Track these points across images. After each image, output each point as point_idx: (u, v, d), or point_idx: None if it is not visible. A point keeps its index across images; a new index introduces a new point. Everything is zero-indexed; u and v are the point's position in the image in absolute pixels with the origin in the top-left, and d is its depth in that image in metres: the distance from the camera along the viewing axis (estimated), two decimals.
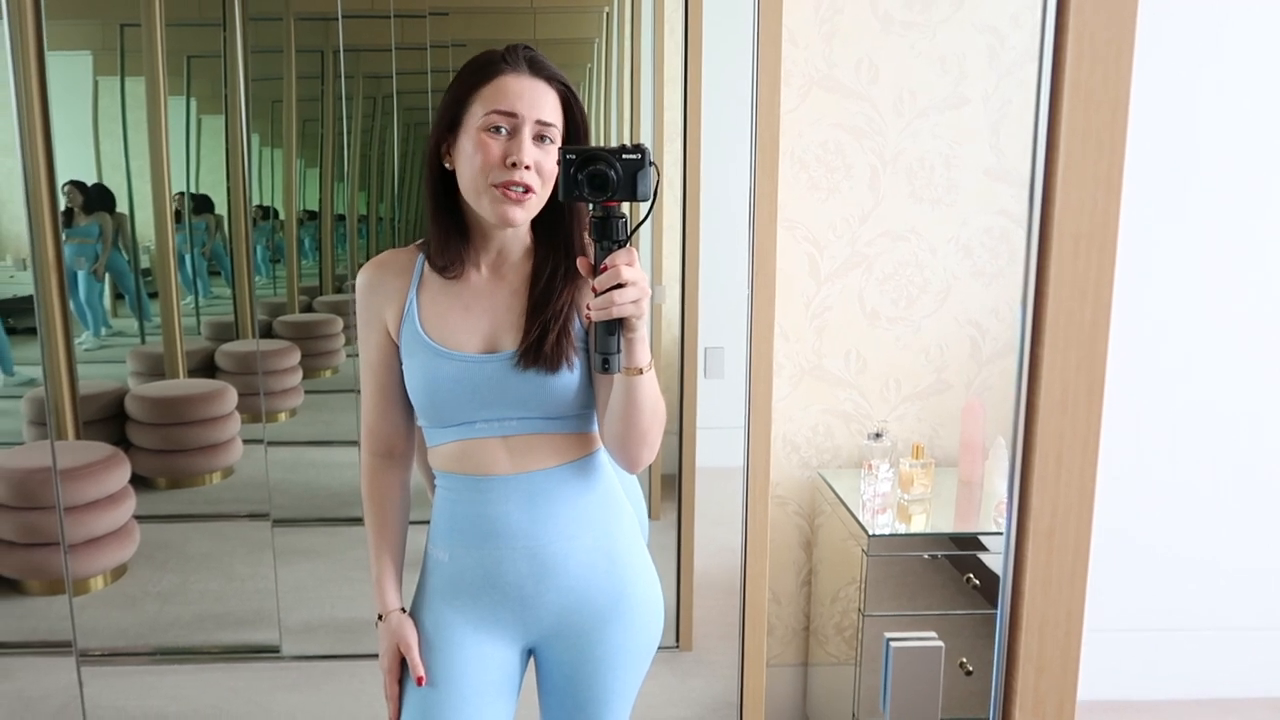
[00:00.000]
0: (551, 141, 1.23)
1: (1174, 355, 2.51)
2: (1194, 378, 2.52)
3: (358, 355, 1.36)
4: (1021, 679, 1.01)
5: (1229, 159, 2.42)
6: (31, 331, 2.91)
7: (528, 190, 1.20)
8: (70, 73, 2.68)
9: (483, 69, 1.23)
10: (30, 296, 2.66)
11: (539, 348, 1.23)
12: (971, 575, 2.08)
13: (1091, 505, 0.92)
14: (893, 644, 1.66)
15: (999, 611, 1.07)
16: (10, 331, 2.91)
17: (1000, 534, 2.08)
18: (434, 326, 1.27)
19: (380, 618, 1.34)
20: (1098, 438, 0.90)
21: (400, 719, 1.32)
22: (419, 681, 1.29)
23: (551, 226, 1.29)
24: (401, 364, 1.32)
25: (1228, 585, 2.61)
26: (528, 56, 1.24)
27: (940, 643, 1.66)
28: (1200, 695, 2.64)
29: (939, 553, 2.08)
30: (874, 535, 2.05)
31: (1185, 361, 2.51)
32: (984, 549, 2.09)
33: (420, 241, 1.34)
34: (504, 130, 1.21)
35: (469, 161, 1.22)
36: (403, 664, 1.32)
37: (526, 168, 1.20)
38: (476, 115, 1.22)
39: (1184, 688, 2.65)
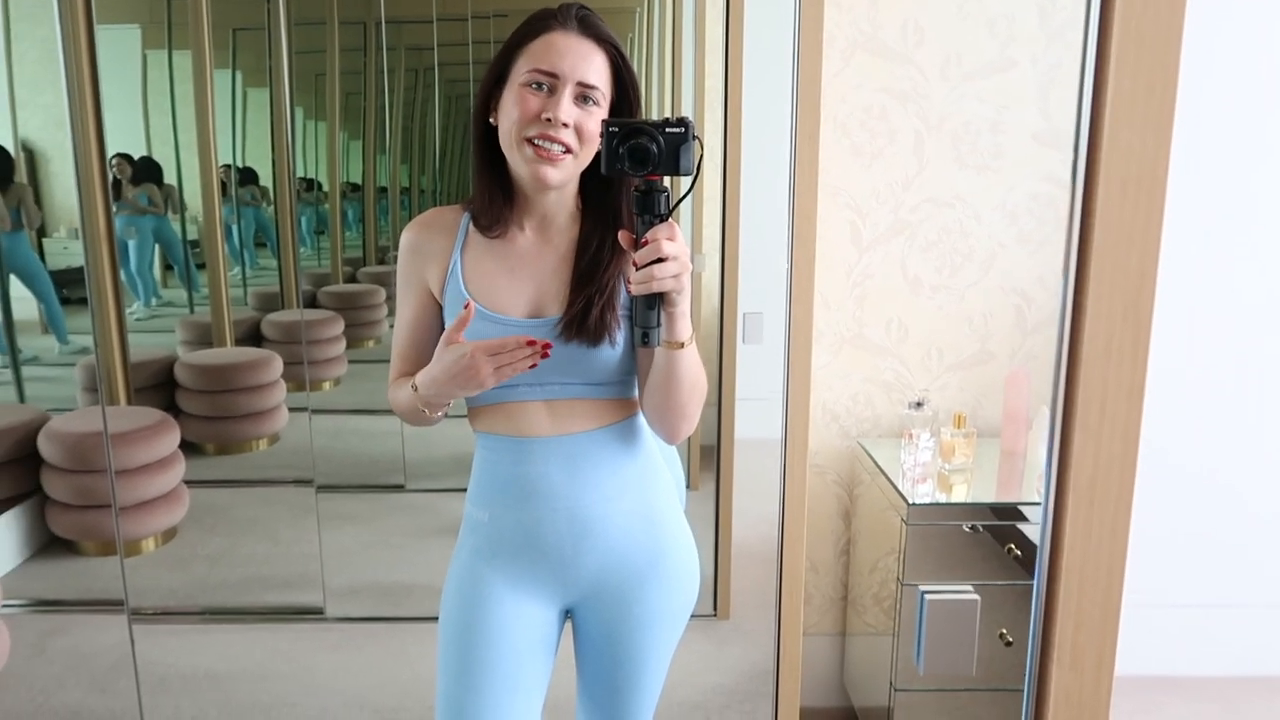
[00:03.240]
0: (595, 104, 1.21)
1: (1235, 313, 2.41)
2: (1257, 340, 2.43)
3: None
4: (1059, 633, 0.98)
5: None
6: (84, 301, 2.98)
7: (565, 150, 1.20)
8: (119, 46, 2.71)
9: (532, 24, 1.23)
10: (82, 267, 2.72)
11: (583, 320, 1.23)
12: (1013, 546, 2.05)
13: (1135, 457, 0.89)
14: (928, 597, 1.63)
15: (1037, 564, 1.05)
16: (64, 301, 2.98)
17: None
18: (478, 288, 1.27)
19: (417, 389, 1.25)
20: (1143, 386, 0.87)
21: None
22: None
23: (600, 194, 1.29)
24: (441, 323, 1.32)
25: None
26: (580, 15, 1.22)
27: (976, 596, 1.64)
28: (1249, 673, 2.59)
29: (979, 523, 2.06)
30: (914, 504, 2.03)
31: (1246, 322, 2.42)
32: (1025, 519, 2.06)
33: (467, 200, 1.33)
34: (544, 87, 1.20)
35: (507, 116, 1.22)
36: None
37: (564, 125, 1.19)
38: (520, 71, 1.21)
39: (1232, 664, 2.60)
